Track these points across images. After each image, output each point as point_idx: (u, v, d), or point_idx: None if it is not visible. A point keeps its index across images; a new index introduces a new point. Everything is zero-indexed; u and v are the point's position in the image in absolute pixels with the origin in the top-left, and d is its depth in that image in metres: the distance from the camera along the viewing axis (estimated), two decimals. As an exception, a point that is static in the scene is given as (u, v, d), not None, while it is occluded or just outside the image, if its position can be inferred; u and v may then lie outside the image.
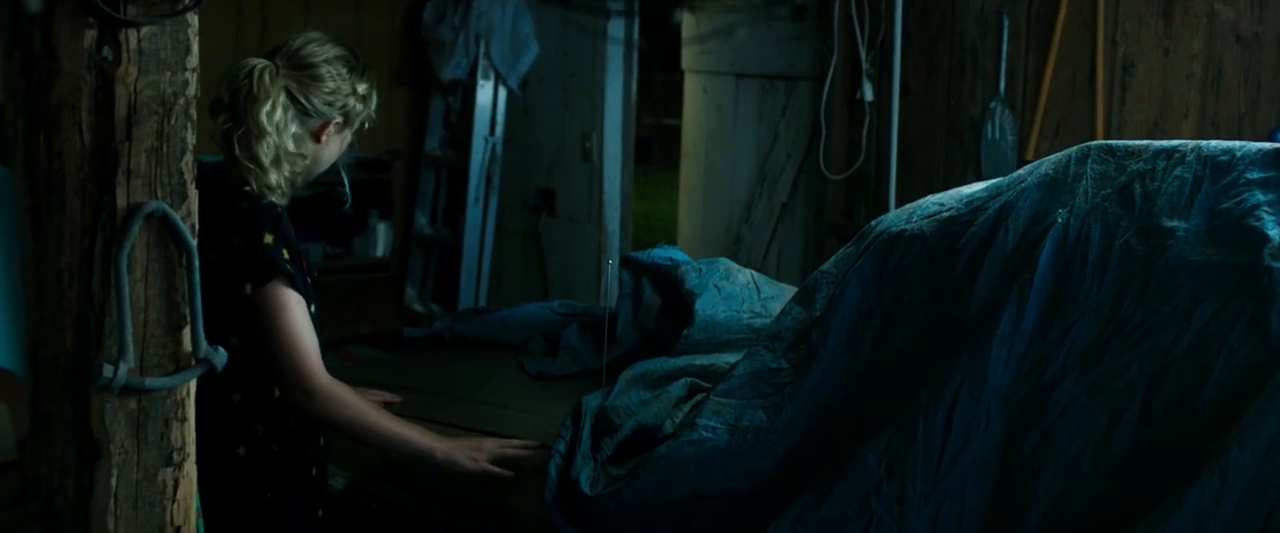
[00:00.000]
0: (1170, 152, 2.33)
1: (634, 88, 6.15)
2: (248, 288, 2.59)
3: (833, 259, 2.66)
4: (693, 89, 6.49)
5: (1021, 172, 2.49)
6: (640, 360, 3.00)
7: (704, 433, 2.44)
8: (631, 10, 6.02)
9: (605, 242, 6.15)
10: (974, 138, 5.02)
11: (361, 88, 2.76)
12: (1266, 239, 2.11)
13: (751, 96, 6.06)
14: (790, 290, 3.29)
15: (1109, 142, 2.43)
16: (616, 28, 6.03)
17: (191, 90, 1.80)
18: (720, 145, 6.28)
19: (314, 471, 2.81)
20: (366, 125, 2.83)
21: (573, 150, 6.28)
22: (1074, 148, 2.46)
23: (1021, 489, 2.14)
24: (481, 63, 6.23)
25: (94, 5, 1.69)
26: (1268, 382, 1.95)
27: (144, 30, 1.74)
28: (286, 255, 2.60)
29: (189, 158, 1.81)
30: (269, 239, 2.60)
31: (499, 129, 6.40)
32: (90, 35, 1.72)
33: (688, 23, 6.36)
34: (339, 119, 2.74)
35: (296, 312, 2.61)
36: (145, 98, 1.76)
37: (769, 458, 2.42)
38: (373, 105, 2.81)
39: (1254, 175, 2.22)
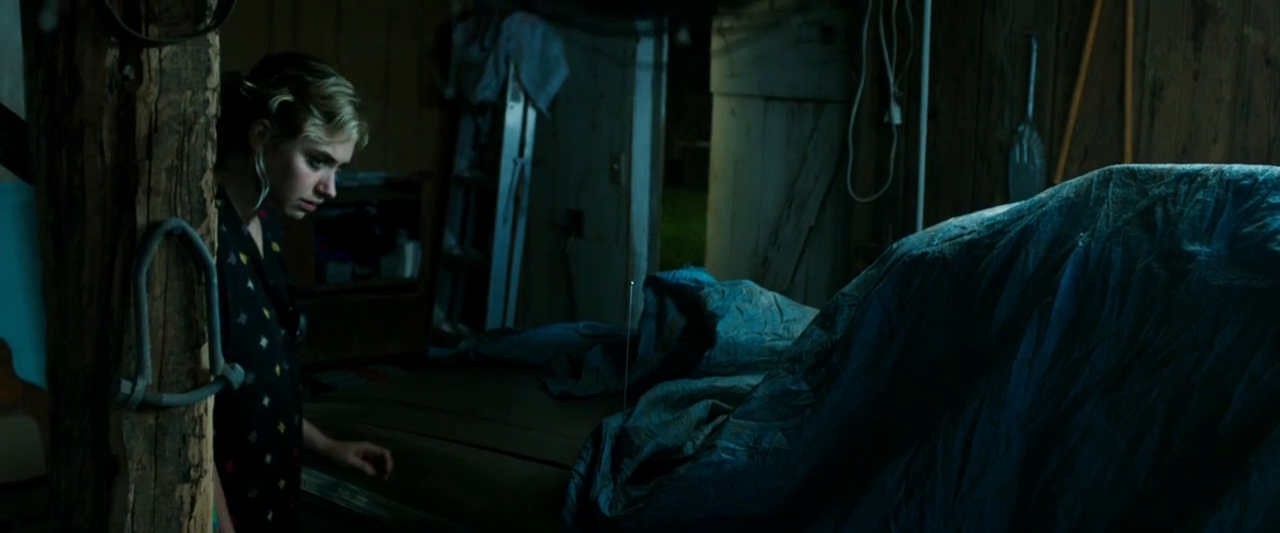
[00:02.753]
0: (1192, 175, 2.32)
1: (663, 110, 6.17)
2: None
3: (854, 282, 2.66)
4: (721, 111, 6.49)
5: (1043, 195, 2.48)
6: (663, 382, 3.00)
7: (723, 455, 2.44)
8: (660, 33, 6.04)
9: (633, 263, 6.16)
10: (1002, 161, 5.00)
11: (314, 89, 2.57)
12: (1289, 264, 2.09)
13: (780, 119, 6.06)
14: (813, 313, 3.29)
15: (1130, 165, 2.43)
16: (645, 50, 6.05)
17: (212, 109, 1.82)
18: (748, 168, 6.28)
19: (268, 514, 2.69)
20: (327, 143, 2.58)
21: (601, 172, 6.29)
22: (1095, 171, 2.45)
23: (1041, 513, 2.12)
24: (511, 84, 6.26)
25: (116, 25, 1.70)
26: (1289, 407, 1.93)
27: (165, 50, 1.76)
28: None
29: (209, 176, 1.82)
30: None
31: (528, 150, 6.42)
32: (112, 55, 1.73)
33: (716, 45, 6.37)
34: (266, 121, 2.53)
35: None
36: (166, 117, 1.77)
37: (789, 480, 2.42)
38: (341, 123, 2.58)
39: (1276, 199, 2.21)
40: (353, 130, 2.62)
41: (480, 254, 6.55)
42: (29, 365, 4.41)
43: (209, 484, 1.89)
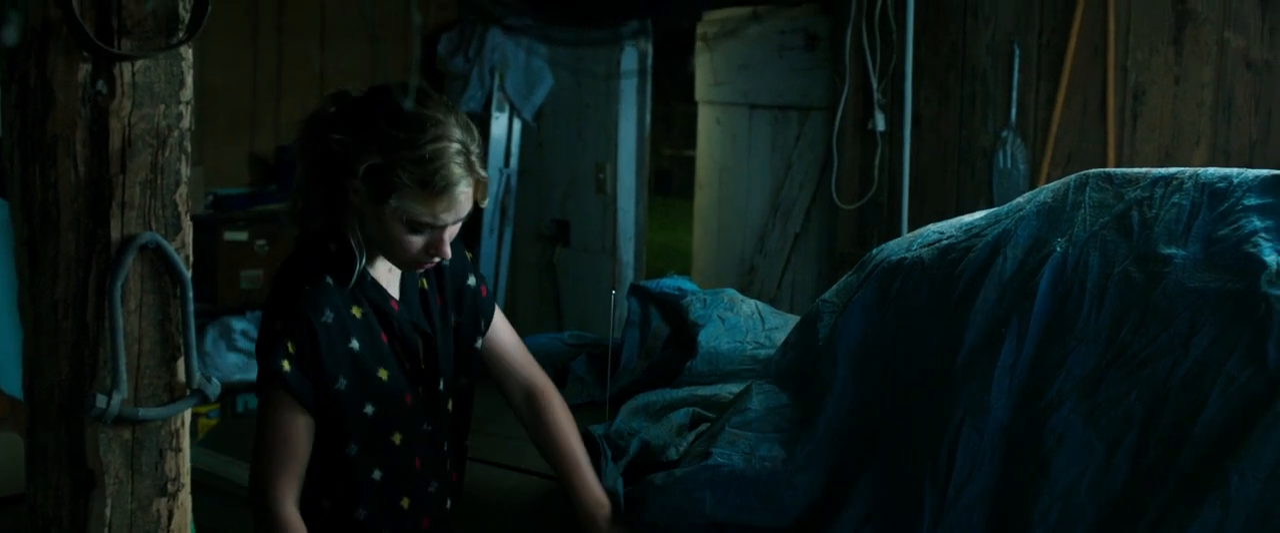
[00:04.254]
0: (1168, 179, 2.33)
1: (648, 119, 6.18)
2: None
3: (834, 288, 2.66)
4: (706, 120, 6.50)
5: (1021, 199, 2.49)
6: (645, 391, 3.00)
7: (719, 459, 2.42)
8: (645, 42, 6.05)
9: (619, 272, 6.16)
10: (986, 167, 5.02)
11: (407, 151, 2.18)
12: (1264, 266, 2.10)
13: (765, 127, 6.07)
14: (795, 320, 3.29)
15: (1108, 169, 2.43)
16: (629, 59, 6.06)
17: (185, 123, 1.82)
18: (734, 176, 6.29)
19: None
20: (423, 212, 2.22)
21: (587, 181, 6.30)
22: (1073, 176, 2.46)
23: (1018, 517, 2.12)
24: (496, 95, 6.27)
25: (88, 39, 1.70)
26: (1266, 410, 1.94)
27: (138, 64, 1.76)
28: (291, 349, 2.21)
29: (183, 190, 1.83)
30: (278, 325, 2.22)
31: (513, 160, 6.43)
32: (84, 69, 1.73)
33: (700, 53, 6.38)
34: (356, 182, 2.20)
35: (279, 417, 2.23)
36: (139, 131, 1.77)
37: (787, 490, 2.39)
38: (439, 189, 2.20)
39: (1251, 202, 2.22)
40: (458, 195, 2.22)
41: (467, 264, 6.55)
42: (14, 382, 4.40)
43: (186, 498, 1.89)
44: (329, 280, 2.25)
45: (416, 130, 2.19)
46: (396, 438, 2.34)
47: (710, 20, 6.16)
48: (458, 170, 2.21)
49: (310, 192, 2.27)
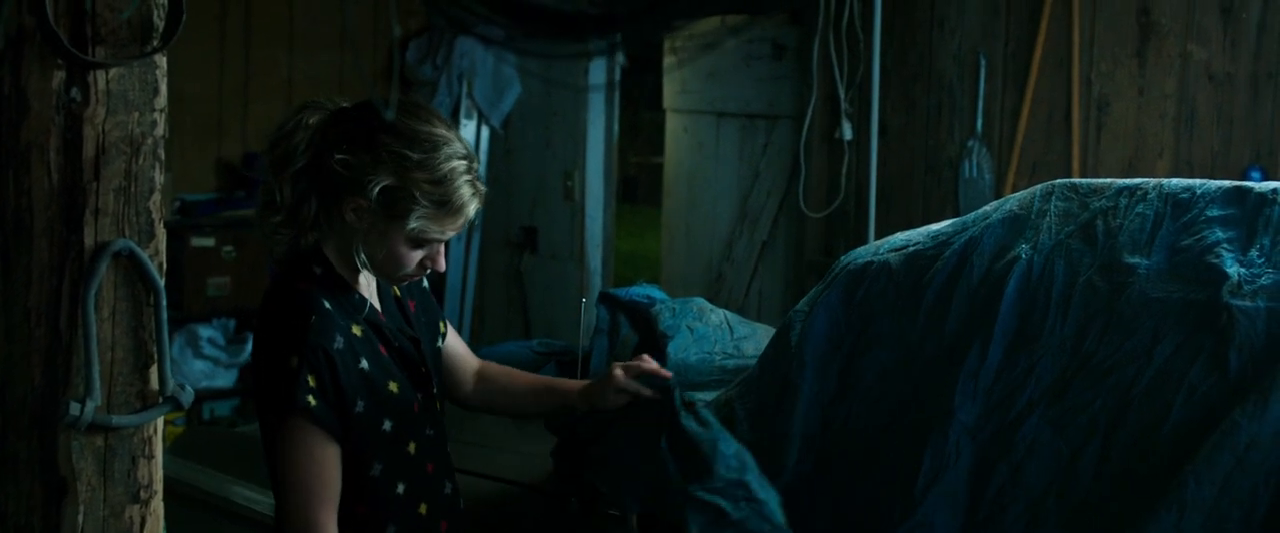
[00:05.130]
0: (1132, 189, 2.36)
1: (615, 127, 6.20)
2: (270, 417, 2.22)
3: (805, 298, 2.68)
4: (674, 128, 6.53)
5: (987, 208, 2.52)
6: (614, 398, 3.01)
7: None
8: (613, 52, 6.07)
9: (587, 280, 6.18)
10: (952, 176, 5.06)
11: (422, 173, 2.19)
12: (1225, 276, 2.13)
13: (732, 135, 6.10)
14: (763, 328, 3.30)
15: (1074, 180, 2.46)
16: (597, 70, 6.08)
17: (160, 131, 1.82)
18: (701, 184, 6.32)
19: None
20: (435, 231, 2.23)
21: (555, 189, 6.32)
22: (1040, 186, 2.49)
23: (990, 524, 2.15)
24: (464, 102, 6.27)
25: (62, 47, 1.71)
26: (1224, 416, 1.97)
27: (112, 72, 1.77)
28: (312, 382, 2.16)
29: (157, 198, 1.83)
30: (293, 361, 2.16)
31: (481, 168, 6.42)
32: (58, 77, 1.74)
33: (668, 62, 6.40)
34: (363, 202, 2.19)
35: (313, 452, 2.19)
36: (113, 139, 1.78)
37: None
38: (453, 208, 2.23)
39: (1214, 213, 2.25)
40: (469, 214, 2.26)
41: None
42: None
43: (159, 505, 1.89)
44: (327, 304, 2.22)
45: (430, 151, 2.19)
46: (412, 447, 2.34)
47: (684, 33, 6.19)
48: (469, 190, 2.23)
49: (298, 209, 2.24)
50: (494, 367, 2.70)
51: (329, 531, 2.19)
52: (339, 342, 2.20)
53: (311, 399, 2.15)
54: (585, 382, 2.59)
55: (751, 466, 2.28)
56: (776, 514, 2.22)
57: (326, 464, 2.20)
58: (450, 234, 2.26)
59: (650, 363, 2.52)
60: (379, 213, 2.19)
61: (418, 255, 2.26)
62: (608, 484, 2.47)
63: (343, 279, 2.28)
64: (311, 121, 2.24)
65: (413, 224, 2.20)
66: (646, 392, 2.46)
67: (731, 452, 2.30)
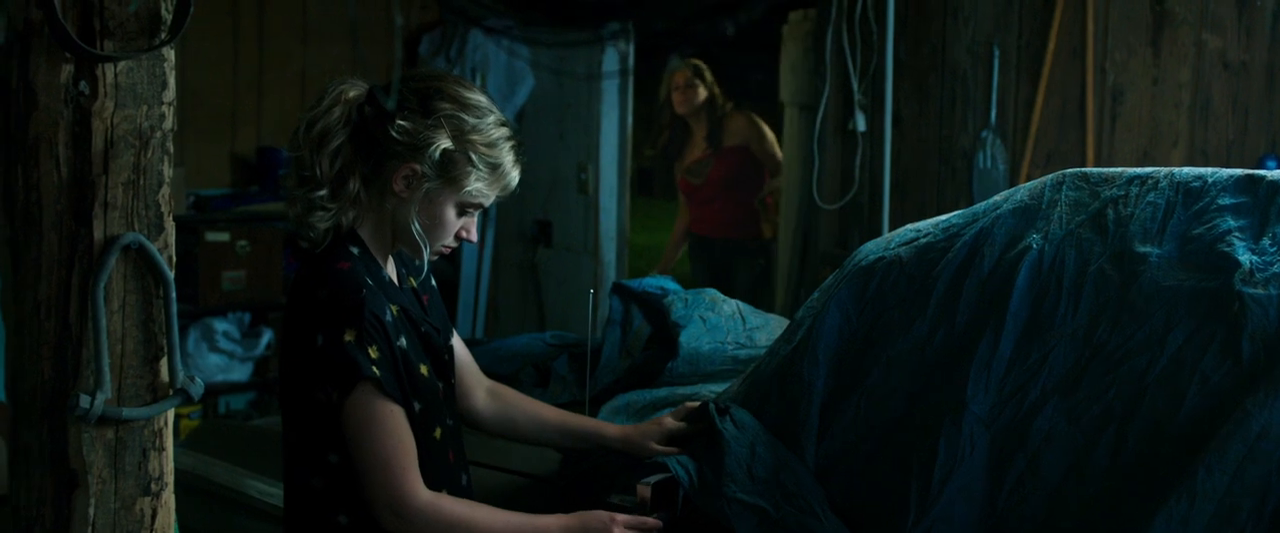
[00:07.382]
0: (1143, 178, 2.35)
1: (630, 120, 6.19)
2: (334, 396, 2.17)
3: (815, 294, 2.68)
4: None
5: (997, 198, 2.51)
6: (625, 391, 3.01)
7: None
8: (627, 42, 6.06)
9: (601, 273, 6.17)
10: (966, 167, 5.04)
11: (478, 136, 2.24)
12: (1237, 265, 2.12)
13: (746, 127, 6.09)
14: (775, 319, 3.30)
15: (1084, 169, 2.45)
16: (611, 61, 6.07)
17: (168, 124, 1.83)
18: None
19: None
20: (486, 195, 2.29)
21: (569, 182, 6.31)
22: (1050, 175, 2.48)
23: (1010, 515, 2.14)
24: (478, 96, 6.27)
25: (71, 40, 1.71)
26: (1237, 405, 1.96)
27: (120, 65, 1.77)
28: (373, 354, 2.16)
29: (166, 190, 1.83)
30: (350, 336, 2.15)
31: (496, 161, 6.43)
32: (67, 70, 1.74)
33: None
34: (418, 167, 2.22)
35: (387, 423, 2.17)
36: (122, 132, 1.78)
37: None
38: (504, 173, 2.29)
39: (1225, 201, 2.24)
40: (516, 178, 2.33)
41: (449, 265, 6.56)
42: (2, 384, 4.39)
43: (170, 497, 1.90)
44: (370, 282, 2.22)
45: (483, 115, 2.26)
46: (437, 433, 2.33)
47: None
48: (513, 157, 2.30)
49: (341, 184, 2.24)
50: (511, 391, 2.67)
51: (420, 496, 2.17)
52: (388, 315, 2.21)
53: (377, 370, 2.15)
54: (626, 427, 2.59)
55: (790, 464, 2.30)
56: (819, 510, 2.23)
57: (401, 432, 2.18)
58: (491, 200, 2.31)
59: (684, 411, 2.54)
60: (435, 177, 2.23)
61: (458, 224, 2.31)
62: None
63: (376, 261, 2.30)
64: (350, 95, 2.26)
65: (470, 185, 2.24)
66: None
67: (768, 453, 2.31)
